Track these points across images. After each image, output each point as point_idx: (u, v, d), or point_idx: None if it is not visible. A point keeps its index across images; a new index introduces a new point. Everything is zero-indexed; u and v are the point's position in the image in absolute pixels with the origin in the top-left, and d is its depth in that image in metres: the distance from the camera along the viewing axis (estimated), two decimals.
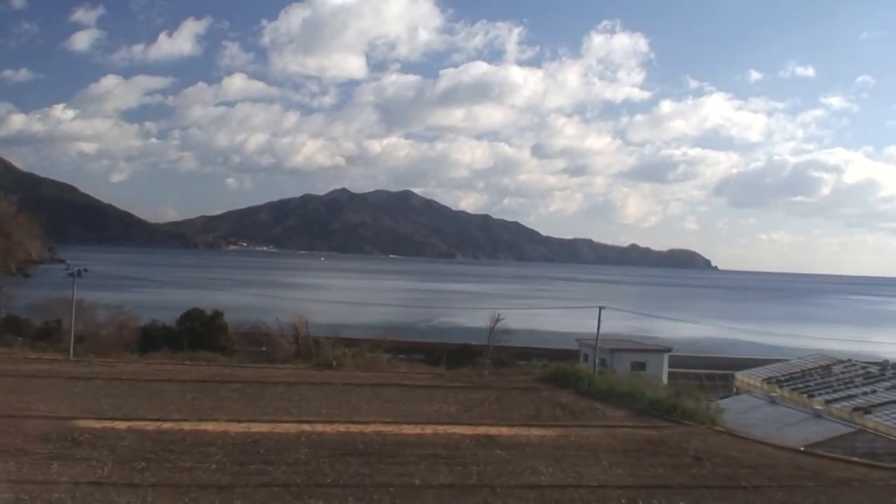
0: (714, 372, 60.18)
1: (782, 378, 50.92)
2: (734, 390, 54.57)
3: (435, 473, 24.06)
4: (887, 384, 45.39)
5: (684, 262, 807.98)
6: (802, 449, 29.15)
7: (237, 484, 21.72)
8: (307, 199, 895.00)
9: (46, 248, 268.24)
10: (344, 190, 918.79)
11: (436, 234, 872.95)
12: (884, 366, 49.51)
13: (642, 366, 51.22)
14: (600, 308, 42.80)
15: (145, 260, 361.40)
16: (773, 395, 41.94)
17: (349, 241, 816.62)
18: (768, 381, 51.08)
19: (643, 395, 36.17)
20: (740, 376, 54.33)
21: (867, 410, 41.29)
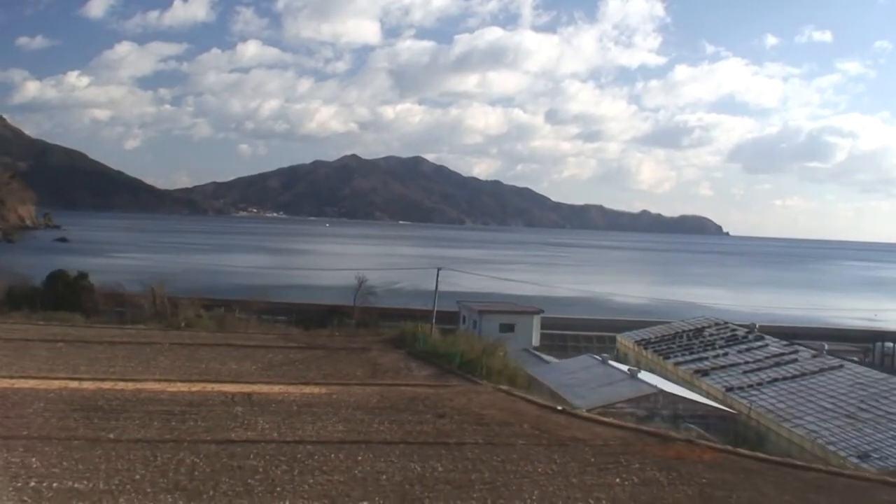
0: (597, 334, 59.90)
1: (652, 340, 50.62)
2: (615, 352, 54.38)
3: (143, 428, 24.28)
4: (742, 347, 44.97)
5: (696, 228, 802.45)
6: (559, 408, 28.98)
7: None
8: (317, 166, 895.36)
9: (41, 215, 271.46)
10: (354, 156, 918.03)
11: (446, 201, 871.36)
12: (750, 328, 48.99)
13: (511, 327, 51.11)
14: (438, 269, 42.59)
15: (147, 226, 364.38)
16: (605, 356, 41.68)
17: (359, 208, 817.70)
18: (639, 343, 50.82)
19: (455, 354, 36.06)
20: (620, 339, 54.08)
21: (706, 373, 41.03)
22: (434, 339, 40.49)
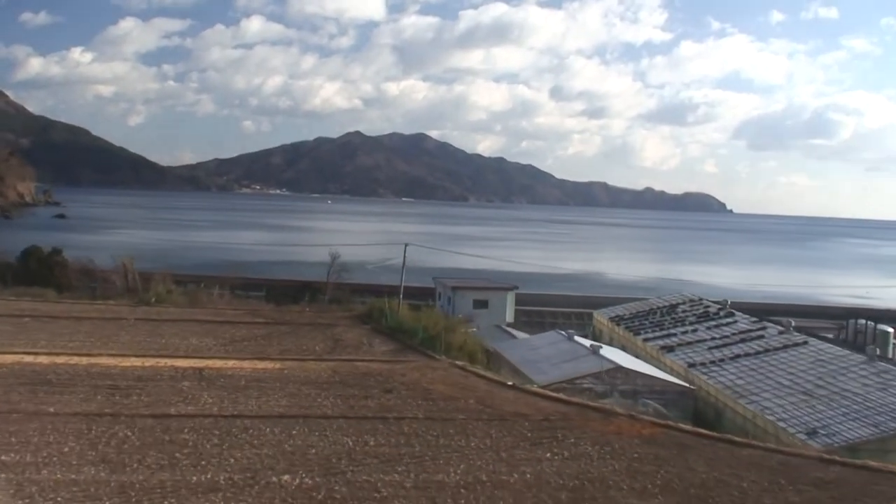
0: (576, 310, 59.83)
1: (626, 317, 50.56)
2: (592, 329, 54.42)
3: (85, 402, 24.43)
4: (712, 324, 44.89)
5: (699, 206, 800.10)
6: (510, 384, 29.01)
7: None
8: (321, 142, 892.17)
9: (41, 191, 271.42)
10: (358, 133, 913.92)
11: (450, 178, 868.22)
12: (722, 305, 48.87)
13: (485, 304, 51.13)
14: (405, 245, 42.50)
15: (148, 203, 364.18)
16: (571, 332, 41.65)
17: (362, 185, 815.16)
18: (612, 319, 50.78)
19: (417, 330, 36.11)
20: (597, 315, 54.02)
21: (671, 349, 41.00)
22: (401, 315, 40.47)
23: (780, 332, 40.05)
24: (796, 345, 37.47)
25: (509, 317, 51.75)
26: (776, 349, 37.38)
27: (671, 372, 38.48)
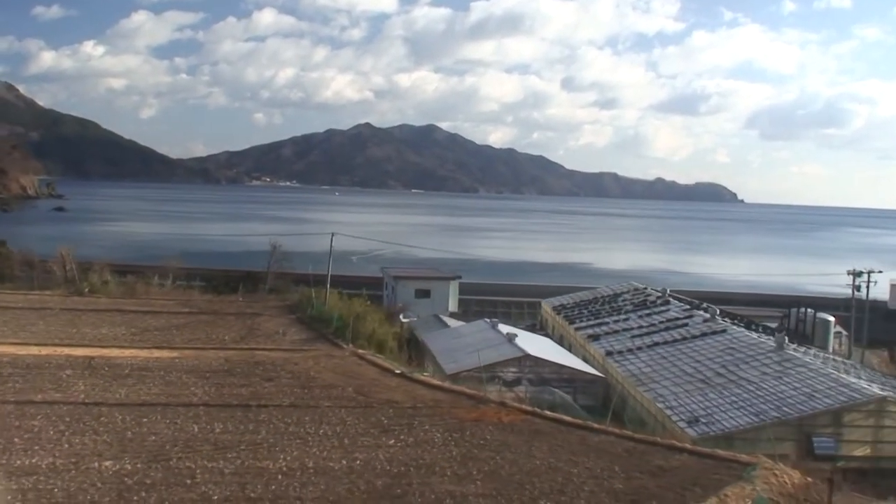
0: (528, 300, 59.54)
1: (568, 305, 50.44)
2: (540, 318, 54.34)
3: None
4: (645, 312, 44.68)
5: (710, 196, 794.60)
6: (398, 371, 29.01)
7: None
8: (331, 134, 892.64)
9: (45, 184, 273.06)
10: (368, 124, 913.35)
11: (460, 169, 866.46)
12: (662, 293, 48.58)
13: (427, 293, 51.08)
14: (332, 234, 42.53)
15: (155, 195, 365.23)
16: (495, 320, 41.57)
17: (372, 176, 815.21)
18: (555, 308, 50.64)
19: (331, 319, 36.21)
20: (544, 304, 53.88)
21: (596, 338, 40.86)
22: (329, 304, 40.54)
23: (705, 321, 39.80)
24: (714, 332, 37.23)
25: (452, 306, 51.71)
26: (695, 337, 37.19)
27: (593, 360, 38.40)
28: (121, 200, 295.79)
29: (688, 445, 21.95)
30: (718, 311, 41.66)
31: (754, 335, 36.45)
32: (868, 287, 45.26)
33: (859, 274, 45.62)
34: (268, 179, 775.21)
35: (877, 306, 59.27)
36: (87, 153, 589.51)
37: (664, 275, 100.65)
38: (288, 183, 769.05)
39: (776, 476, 20.06)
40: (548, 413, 24.74)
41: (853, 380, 28.39)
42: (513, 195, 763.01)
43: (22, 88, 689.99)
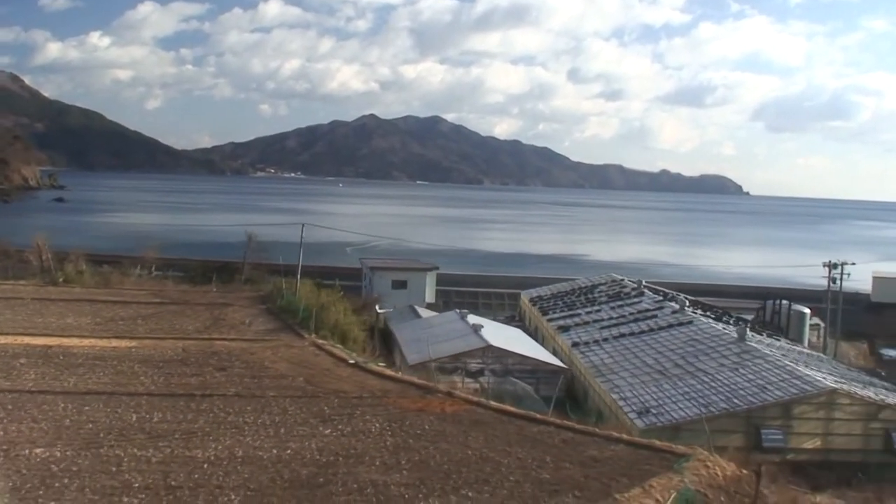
0: (509, 291, 59.43)
1: (546, 297, 50.41)
2: (519, 309, 54.34)
3: None
4: (618, 303, 44.62)
5: (716, 188, 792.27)
6: (351, 361, 29.06)
7: None
8: (336, 126, 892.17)
9: (47, 175, 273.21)
10: (372, 116, 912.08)
11: (465, 161, 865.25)
12: (637, 285, 48.48)
13: (403, 284, 51.11)
14: (302, 225, 42.55)
15: (158, 187, 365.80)
16: (465, 311, 41.59)
17: (376, 168, 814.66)
18: (532, 300, 50.63)
19: (298, 310, 36.28)
20: (523, 296, 53.85)
21: (566, 329, 40.85)
22: (300, 295, 40.58)
23: (673, 312, 39.72)
24: (681, 324, 37.17)
25: (429, 297, 51.73)
26: (661, 328, 37.16)
27: (560, 351, 38.43)
28: (122, 191, 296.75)
29: (625, 436, 21.92)
30: (688, 303, 41.56)
31: (719, 326, 36.34)
32: (841, 279, 45.04)
33: (835, 266, 45.39)
34: (272, 171, 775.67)
35: (859, 298, 59.13)
36: (92, 144, 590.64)
37: (656, 266, 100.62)
38: (292, 174, 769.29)
39: (707, 468, 20.04)
40: (492, 403, 24.74)
41: (808, 372, 28.30)
42: (518, 187, 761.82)
43: (27, 79, 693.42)
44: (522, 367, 34.14)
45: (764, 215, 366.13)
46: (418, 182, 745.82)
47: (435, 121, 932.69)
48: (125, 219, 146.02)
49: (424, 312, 45.80)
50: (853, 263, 45.45)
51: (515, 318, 53.55)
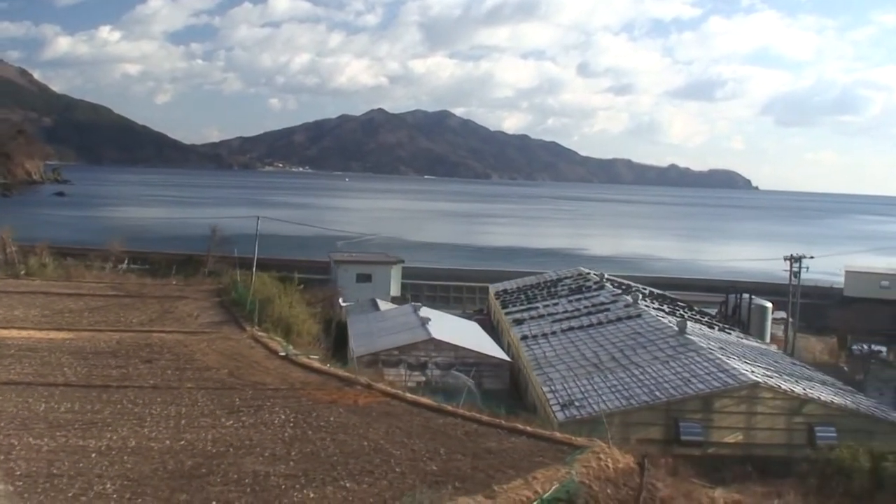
0: (479, 284, 59.26)
1: (510, 290, 50.40)
2: (487, 302, 54.32)
3: None
4: (577, 297, 44.54)
5: (724, 183, 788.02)
6: (282, 354, 29.15)
7: None
8: (344, 120, 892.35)
9: (51, 169, 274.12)
10: (381, 110, 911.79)
11: (473, 155, 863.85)
12: (600, 278, 48.36)
13: (368, 277, 51.19)
14: (258, 217, 42.66)
15: (163, 181, 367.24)
16: (418, 304, 41.59)
17: (384, 162, 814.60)
18: (496, 294, 50.61)
19: (246, 303, 36.43)
20: (491, 289, 53.81)
21: (520, 322, 40.82)
22: (254, 288, 40.68)
23: (626, 305, 39.60)
24: (630, 317, 37.08)
25: (395, 290, 51.79)
26: (610, 322, 37.08)
27: (511, 344, 38.45)
28: (127, 186, 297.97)
29: (528, 428, 21.89)
30: (641, 297, 41.42)
31: (665, 320, 36.19)
32: (800, 272, 44.74)
33: (797, 259, 45.09)
34: (280, 165, 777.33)
35: (832, 293, 58.80)
36: (100, 139, 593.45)
37: (645, 261, 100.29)
38: (300, 169, 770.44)
39: (600, 460, 20.03)
40: (408, 396, 24.81)
41: (735, 365, 28.14)
42: (525, 181, 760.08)
43: (37, 74, 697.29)
44: (466, 360, 34.13)
45: (769, 210, 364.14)
46: (426, 177, 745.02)
47: (443, 115, 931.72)
48: (119, 213, 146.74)
49: (384, 305, 45.86)
50: (811, 257, 45.12)
51: (483, 312, 53.55)
